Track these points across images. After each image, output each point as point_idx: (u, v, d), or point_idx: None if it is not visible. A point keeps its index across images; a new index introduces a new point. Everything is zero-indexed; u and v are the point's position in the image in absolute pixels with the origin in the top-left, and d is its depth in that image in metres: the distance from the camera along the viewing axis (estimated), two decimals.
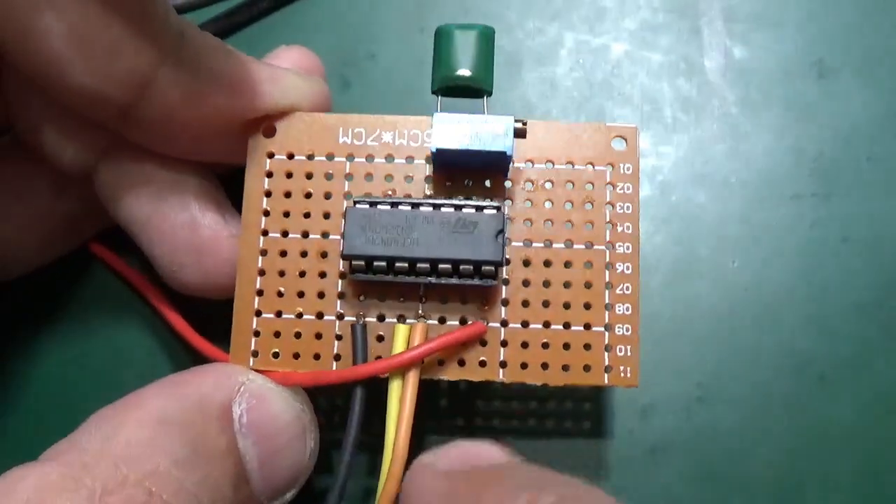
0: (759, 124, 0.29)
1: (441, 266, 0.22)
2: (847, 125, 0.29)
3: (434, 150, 0.21)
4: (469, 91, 0.23)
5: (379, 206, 0.22)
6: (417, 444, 0.26)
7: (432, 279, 0.22)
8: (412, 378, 0.21)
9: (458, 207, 0.22)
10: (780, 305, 0.27)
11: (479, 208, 0.22)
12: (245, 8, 0.31)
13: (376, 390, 0.22)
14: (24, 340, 0.27)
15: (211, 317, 0.24)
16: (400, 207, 0.22)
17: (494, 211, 0.22)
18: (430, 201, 0.22)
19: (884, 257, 0.28)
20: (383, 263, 0.22)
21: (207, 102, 0.22)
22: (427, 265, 0.22)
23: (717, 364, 0.27)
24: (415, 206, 0.22)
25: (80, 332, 0.28)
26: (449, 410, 0.27)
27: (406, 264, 0.22)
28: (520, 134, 0.22)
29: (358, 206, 0.22)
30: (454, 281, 0.22)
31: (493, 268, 0.22)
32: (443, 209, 0.22)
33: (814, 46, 0.30)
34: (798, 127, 0.29)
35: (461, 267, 0.22)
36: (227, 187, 0.25)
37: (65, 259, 0.27)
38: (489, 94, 0.23)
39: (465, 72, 0.23)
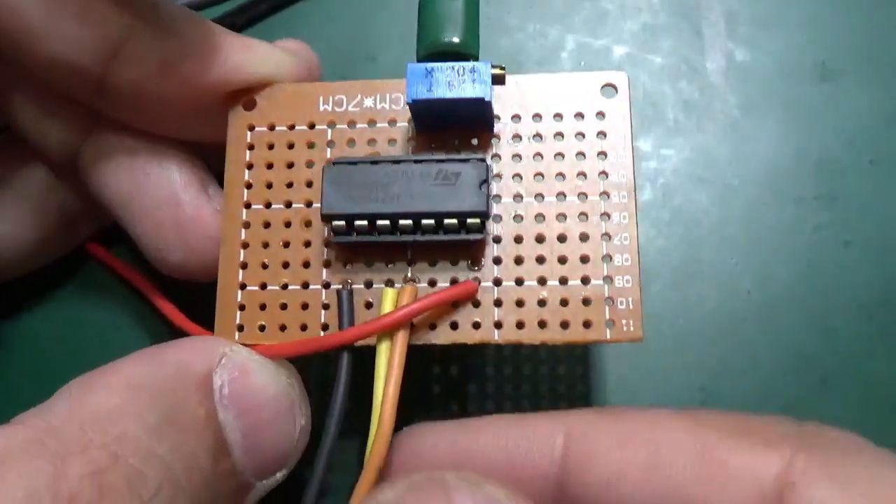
0: (760, 127, 0.28)
1: (424, 221, 0.21)
2: (849, 128, 0.28)
3: (410, 100, 0.21)
4: (456, 57, 0.22)
5: (358, 164, 0.21)
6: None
7: (417, 236, 0.21)
8: (401, 339, 0.20)
9: (440, 161, 0.21)
10: (782, 308, 0.27)
11: (463, 160, 0.21)
12: (244, 10, 0.31)
13: (367, 363, 0.21)
14: (21, 337, 0.27)
15: (210, 310, 0.23)
16: (380, 164, 0.21)
17: (477, 160, 0.21)
18: (412, 157, 0.21)
19: (886, 260, 0.27)
20: (365, 223, 0.21)
21: (179, 71, 0.22)
22: (410, 221, 0.21)
23: (719, 366, 0.26)
24: (395, 162, 0.21)
25: (78, 329, 0.27)
26: (442, 396, 0.26)
27: (388, 222, 0.21)
28: (498, 80, 0.21)
29: (336, 164, 0.21)
30: (440, 237, 0.21)
31: (479, 220, 0.21)
32: (424, 163, 0.21)
33: (816, 49, 0.29)
34: (800, 129, 0.28)
35: (445, 221, 0.21)
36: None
37: (63, 258, 0.27)
38: (476, 59, 0.22)
39: (453, 38, 0.22)
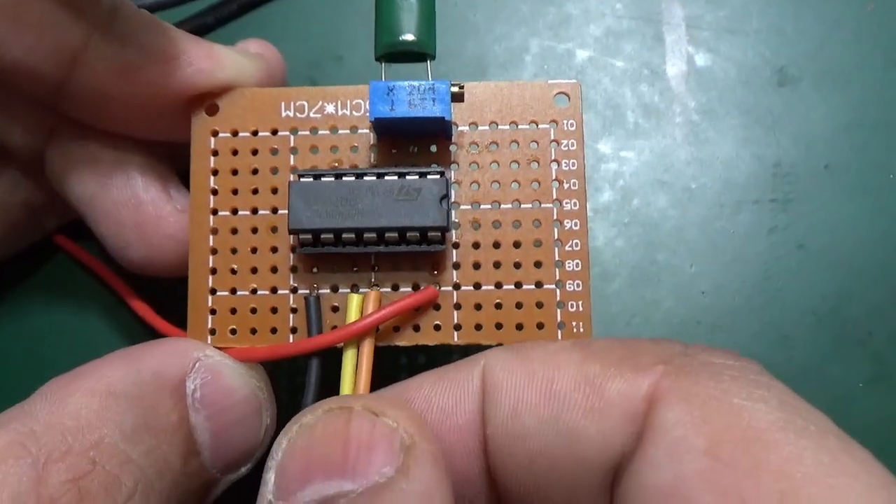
0: (719, 131, 0.29)
1: (388, 235, 0.22)
2: (806, 133, 0.29)
3: (372, 119, 0.21)
4: (413, 56, 0.23)
5: (322, 179, 0.22)
6: None
7: (381, 248, 0.22)
8: (367, 346, 0.22)
9: (402, 175, 0.22)
10: (736, 311, 0.28)
11: (423, 174, 0.22)
12: (213, 10, 0.31)
13: (336, 364, 0.22)
14: None
15: (176, 303, 0.24)
16: (344, 178, 0.22)
17: (437, 176, 0.22)
18: (374, 170, 0.22)
19: (839, 265, 0.28)
20: (331, 236, 0.22)
21: (139, 77, 0.22)
22: (374, 235, 0.22)
23: None
24: (358, 176, 0.22)
25: (45, 322, 0.28)
26: None
27: (353, 235, 0.22)
28: (457, 98, 0.22)
29: (302, 179, 0.22)
30: (403, 248, 0.22)
31: (439, 233, 0.22)
32: (386, 177, 0.22)
33: (775, 55, 0.30)
34: (758, 134, 0.29)
35: (408, 234, 0.22)
36: None
37: (29, 250, 0.27)
38: (433, 57, 0.23)
39: (408, 36, 0.23)
